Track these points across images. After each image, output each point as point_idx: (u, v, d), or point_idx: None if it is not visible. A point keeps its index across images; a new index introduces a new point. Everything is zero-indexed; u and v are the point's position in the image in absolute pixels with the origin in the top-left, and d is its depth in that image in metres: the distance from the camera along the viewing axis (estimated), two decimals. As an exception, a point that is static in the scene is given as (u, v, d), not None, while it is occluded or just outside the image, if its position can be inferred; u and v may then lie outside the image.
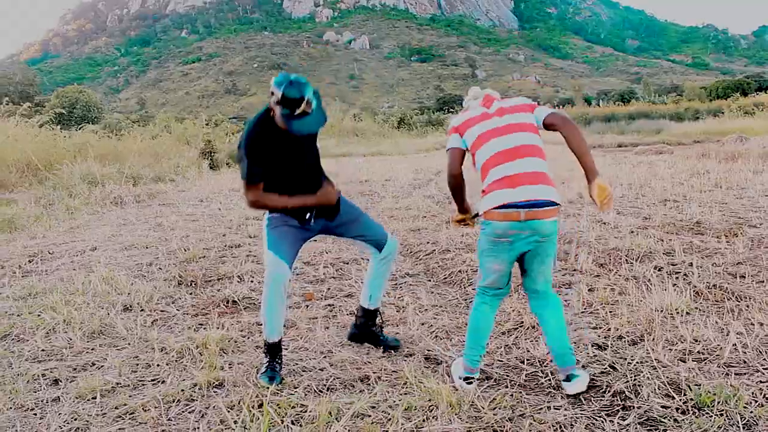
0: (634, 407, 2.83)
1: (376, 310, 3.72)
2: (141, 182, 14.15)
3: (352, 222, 3.50)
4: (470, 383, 3.13)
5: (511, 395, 3.00)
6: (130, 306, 4.79)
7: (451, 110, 58.34)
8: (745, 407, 2.73)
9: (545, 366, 3.37)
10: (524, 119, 3.12)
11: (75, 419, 2.95)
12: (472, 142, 3.14)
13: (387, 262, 3.59)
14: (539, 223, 2.90)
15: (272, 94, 3.03)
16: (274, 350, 3.34)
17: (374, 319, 3.72)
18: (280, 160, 3.24)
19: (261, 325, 4.21)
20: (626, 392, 2.97)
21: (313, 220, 3.39)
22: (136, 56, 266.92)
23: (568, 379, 3.05)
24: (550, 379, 3.21)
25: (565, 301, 4.47)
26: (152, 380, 3.40)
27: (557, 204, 2.95)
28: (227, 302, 4.82)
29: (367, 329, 3.73)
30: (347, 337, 3.83)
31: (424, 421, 2.76)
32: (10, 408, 3.09)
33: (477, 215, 3.24)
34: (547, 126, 3.10)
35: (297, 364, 3.53)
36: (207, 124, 26.98)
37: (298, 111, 2.99)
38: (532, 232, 2.91)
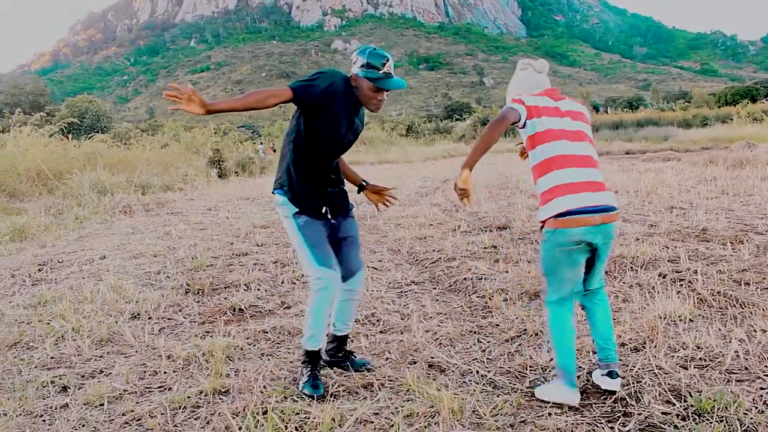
0: (634, 413, 2.85)
1: (343, 338, 3.62)
2: (150, 191, 14.26)
3: (349, 242, 3.48)
4: (573, 385, 3.06)
5: (513, 402, 3.03)
6: (138, 314, 4.84)
7: (459, 118, 58.34)
8: (745, 413, 2.74)
9: (548, 373, 3.39)
10: (589, 132, 3.20)
11: (83, 425, 3.00)
12: (540, 131, 3.07)
13: (349, 293, 3.52)
14: (609, 227, 3.01)
15: (354, 62, 3.22)
16: (315, 358, 3.33)
17: (341, 346, 3.62)
18: (331, 123, 3.23)
19: (267, 332, 4.27)
20: (627, 399, 2.99)
21: (329, 215, 3.35)
22: (145, 66, 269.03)
23: (610, 375, 3.09)
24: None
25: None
26: (159, 387, 3.44)
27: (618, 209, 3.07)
28: (234, 310, 4.86)
29: (335, 357, 3.61)
30: None
31: (426, 427, 2.79)
32: (20, 414, 3.14)
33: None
34: None
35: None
36: (215, 133, 27.12)
37: (384, 70, 3.17)
38: (603, 235, 3.00)
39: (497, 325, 4.24)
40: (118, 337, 4.30)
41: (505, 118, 3.03)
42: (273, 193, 3.36)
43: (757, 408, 2.81)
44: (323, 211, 3.32)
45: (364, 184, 3.74)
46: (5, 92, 63.58)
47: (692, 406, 2.84)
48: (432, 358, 3.70)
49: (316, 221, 3.30)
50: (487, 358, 3.69)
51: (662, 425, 2.73)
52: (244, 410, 3.00)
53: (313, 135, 3.24)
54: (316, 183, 3.31)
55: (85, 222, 10.18)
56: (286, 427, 2.82)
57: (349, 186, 3.63)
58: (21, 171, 14.49)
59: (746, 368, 3.26)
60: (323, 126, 3.22)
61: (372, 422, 2.86)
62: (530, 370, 3.47)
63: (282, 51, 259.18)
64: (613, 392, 3.08)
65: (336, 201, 3.40)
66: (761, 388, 3.00)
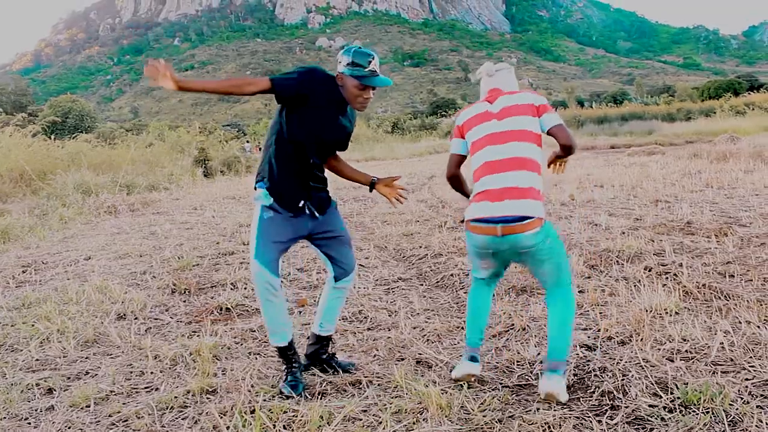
0: (621, 407, 2.86)
1: (327, 338, 3.58)
2: (135, 191, 14.18)
3: (338, 241, 3.43)
4: (476, 361, 3.19)
5: (501, 397, 3.03)
6: (124, 314, 4.81)
7: (444, 114, 58.39)
8: (731, 404, 2.76)
9: (535, 368, 3.40)
10: (525, 125, 3.02)
11: (69, 428, 2.97)
12: (470, 144, 3.16)
13: (341, 291, 3.51)
14: (517, 238, 2.89)
15: (340, 62, 3.22)
16: (284, 355, 3.32)
17: (326, 347, 3.58)
18: (310, 117, 3.19)
19: (254, 331, 4.27)
20: (614, 392, 3.00)
21: (307, 210, 3.29)
22: (129, 65, 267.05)
23: (542, 373, 3.02)
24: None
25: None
26: (146, 388, 3.42)
27: (535, 217, 2.90)
28: (220, 309, 4.84)
29: (317, 357, 3.56)
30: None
31: (414, 423, 2.79)
32: (4, 418, 3.11)
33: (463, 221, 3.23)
34: (550, 134, 3.08)
35: (289, 369, 3.55)
36: (200, 132, 27.01)
37: (369, 68, 3.17)
38: (510, 246, 2.93)
39: (485, 320, 4.24)
40: (104, 338, 4.27)
41: (448, 170, 3.42)
42: (255, 187, 3.34)
43: (742, 399, 2.83)
44: (300, 205, 3.27)
45: (375, 180, 3.58)
46: (-14, 93, 62.84)
47: (679, 398, 2.86)
48: (420, 354, 3.70)
49: (284, 220, 3.24)
50: (475, 354, 3.69)
51: (649, 418, 2.74)
52: (231, 409, 2.98)
53: (293, 128, 3.20)
54: (297, 176, 3.26)
55: (69, 223, 10.10)
56: (274, 426, 2.81)
57: (353, 185, 3.59)
58: (3, 172, 14.37)
59: (731, 360, 3.29)
60: (303, 119, 3.19)
61: (360, 419, 2.86)
62: (518, 365, 3.48)
63: (266, 49, 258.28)
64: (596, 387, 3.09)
65: (315, 197, 3.34)
66: (746, 379, 3.02)
